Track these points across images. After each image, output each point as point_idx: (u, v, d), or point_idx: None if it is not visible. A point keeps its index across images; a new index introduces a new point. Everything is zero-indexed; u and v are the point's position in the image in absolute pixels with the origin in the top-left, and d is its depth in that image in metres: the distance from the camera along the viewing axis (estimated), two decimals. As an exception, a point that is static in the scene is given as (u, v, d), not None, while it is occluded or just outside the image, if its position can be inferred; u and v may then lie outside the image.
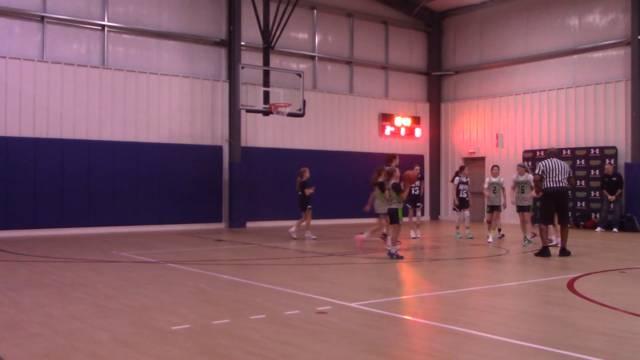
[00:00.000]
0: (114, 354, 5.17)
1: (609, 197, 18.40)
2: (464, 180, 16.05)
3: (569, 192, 12.63)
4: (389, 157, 14.55)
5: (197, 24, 19.86)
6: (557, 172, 11.83)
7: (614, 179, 18.54)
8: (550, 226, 13.01)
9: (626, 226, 18.41)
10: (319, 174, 19.67)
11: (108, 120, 18.08)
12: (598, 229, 18.57)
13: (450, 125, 24.86)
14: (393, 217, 11.75)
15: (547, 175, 11.84)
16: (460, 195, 15.93)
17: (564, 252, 11.94)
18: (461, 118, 24.48)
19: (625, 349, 5.38)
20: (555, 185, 11.82)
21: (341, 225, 20.31)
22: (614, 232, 18.15)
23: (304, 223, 15.67)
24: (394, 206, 11.75)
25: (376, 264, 11.52)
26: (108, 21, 18.23)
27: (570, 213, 20.17)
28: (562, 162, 11.96)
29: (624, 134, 19.44)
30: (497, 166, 15.57)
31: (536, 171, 12.10)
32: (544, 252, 11.87)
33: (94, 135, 17.81)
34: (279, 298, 7.70)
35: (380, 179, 13.32)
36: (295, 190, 15.91)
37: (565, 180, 11.84)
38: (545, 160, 12.02)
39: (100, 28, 18.17)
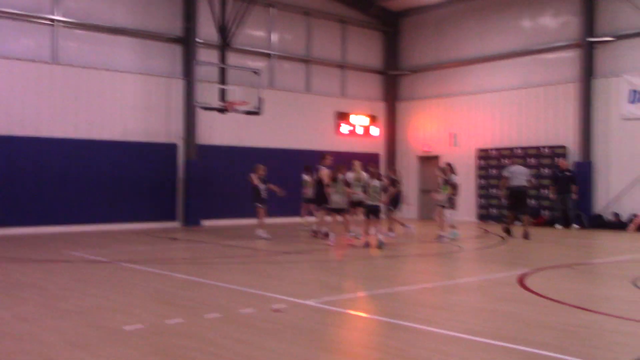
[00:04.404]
0: (64, 356, 5.06)
1: (551, 195, 18.80)
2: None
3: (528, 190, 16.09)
4: (322, 157, 15.41)
5: (152, 20, 19.56)
6: (518, 175, 15.49)
7: (567, 173, 18.83)
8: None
9: (575, 223, 18.81)
10: (276, 172, 19.60)
11: (59, 117, 17.64)
12: (557, 225, 18.95)
13: (406, 124, 25.09)
14: (377, 212, 13.17)
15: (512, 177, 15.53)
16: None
17: (526, 236, 15.07)
18: (416, 117, 24.75)
19: (574, 342, 5.53)
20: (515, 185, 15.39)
21: (298, 223, 20.29)
22: (575, 228, 18.45)
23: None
24: (376, 203, 13.12)
25: (331, 261, 11.56)
26: (59, 16, 17.79)
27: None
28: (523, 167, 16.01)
29: (573, 134, 19.96)
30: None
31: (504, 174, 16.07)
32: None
33: (44, 132, 17.36)
34: (234, 296, 7.66)
35: (341, 175, 13.66)
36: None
37: (524, 181, 15.50)
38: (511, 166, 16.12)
39: (50, 23, 17.72)
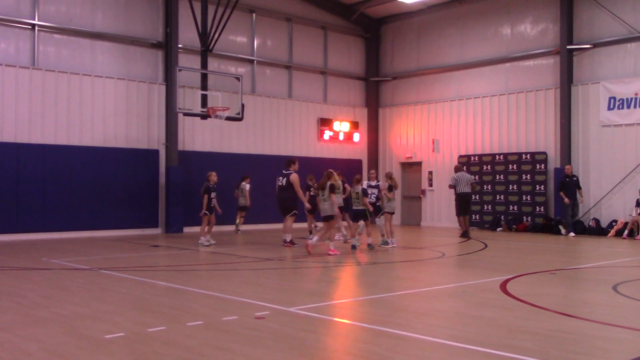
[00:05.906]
0: (43, 365, 4.99)
1: (565, 199, 18.22)
2: (373, 184, 14.94)
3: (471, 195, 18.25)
4: (289, 161, 15.02)
5: (133, 25, 19.45)
6: (463, 181, 17.30)
7: (575, 178, 18.53)
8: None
9: (555, 230, 18.93)
10: (257, 179, 19.59)
11: (38, 123, 17.46)
12: (571, 233, 18.37)
13: (388, 131, 25.19)
14: (365, 215, 13.89)
15: (458, 184, 17.35)
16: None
17: (465, 234, 17.51)
18: (399, 123, 24.84)
19: (555, 347, 5.56)
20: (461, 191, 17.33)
21: (280, 229, 20.24)
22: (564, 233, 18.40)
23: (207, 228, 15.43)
24: (361, 207, 13.80)
25: (313, 268, 11.54)
26: (39, 20, 17.63)
27: (503, 217, 20.85)
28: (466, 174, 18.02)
29: (554, 140, 20.16)
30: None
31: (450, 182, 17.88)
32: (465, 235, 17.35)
33: (23, 138, 17.17)
34: (216, 304, 7.61)
35: (331, 182, 13.44)
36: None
37: (468, 187, 17.41)
38: (457, 174, 17.57)
39: (30, 27, 17.55)
